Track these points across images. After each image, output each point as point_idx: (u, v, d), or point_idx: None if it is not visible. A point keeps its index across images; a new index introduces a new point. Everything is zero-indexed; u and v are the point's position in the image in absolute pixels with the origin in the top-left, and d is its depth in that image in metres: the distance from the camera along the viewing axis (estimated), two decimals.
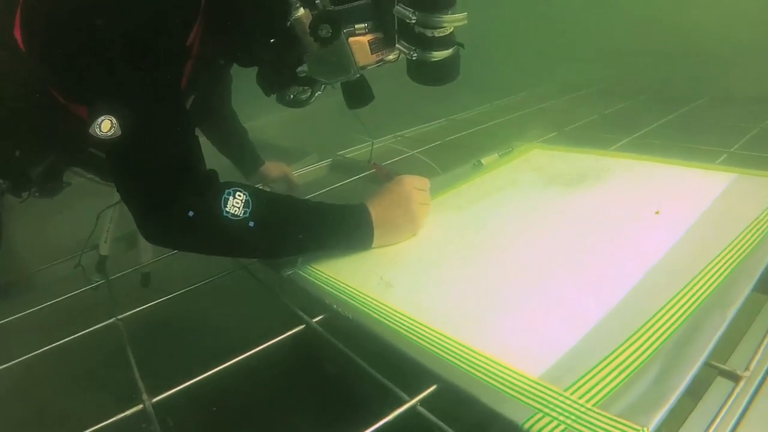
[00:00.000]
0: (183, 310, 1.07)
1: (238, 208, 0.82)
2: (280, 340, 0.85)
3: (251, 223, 0.83)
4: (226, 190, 0.83)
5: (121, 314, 0.97)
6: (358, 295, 0.86)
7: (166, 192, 0.80)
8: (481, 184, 1.28)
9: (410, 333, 0.74)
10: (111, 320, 0.96)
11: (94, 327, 0.96)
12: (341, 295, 0.87)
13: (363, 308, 0.82)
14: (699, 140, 1.56)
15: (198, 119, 1.44)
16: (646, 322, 0.68)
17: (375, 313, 0.80)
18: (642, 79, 2.47)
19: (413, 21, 0.84)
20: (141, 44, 0.76)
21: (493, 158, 1.44)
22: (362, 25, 0.88)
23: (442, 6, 0.83)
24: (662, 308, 0.70)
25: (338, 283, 0.91)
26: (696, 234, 0.89)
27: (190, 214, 0.79)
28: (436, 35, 0.85)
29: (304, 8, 0.85)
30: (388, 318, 0.78)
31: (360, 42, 0.88)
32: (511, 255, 0.92)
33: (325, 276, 0.94)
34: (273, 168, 1.71)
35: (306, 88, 1.01)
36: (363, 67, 0.92)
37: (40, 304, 1.04)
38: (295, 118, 2.04)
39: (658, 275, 0.79)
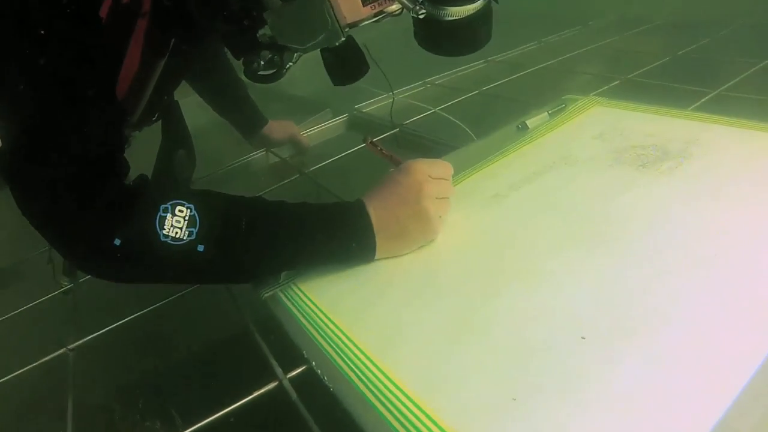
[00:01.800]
0: (141, 338, 0.88)
1: (180, 228, 0.61)
2: (240, 404, 0.63)
3: (200, 247, 0.62)
4: (162, 206, 0.61)
5: (74, 342, 0.80)
6: (347, 349, 0.63)
7: (74, 218, 0.60)
8: (526, 157, 1.01)
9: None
10: (61, 351, 0.79)
11: (39, 361, 0.78)
12: (324, 344, 0.65)
13: (350, 375, 0.59)
14: None
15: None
16: None
17: (367, 387, 0.57)
18: (727, 6, 2.03)
19: None
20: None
21: (541, 118, 1.16)
22: None
23: None
24: None
25: (324, 320, 0.68)
26: None
27: (116, 242, 0.59)
28: None
29: None
30: (382, 400, 0.55)
31: None
32: (567, 288, 0.65)
33: (311, 305, 0.72)
34: (277, 128, 1.48)
35: (275, 56, 0.75)
36: (353, 25, 0.66)
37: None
38: (304, 67, 1.78)
39: None
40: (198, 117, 1.53)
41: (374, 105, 1.65)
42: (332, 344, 0.65)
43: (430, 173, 0.77)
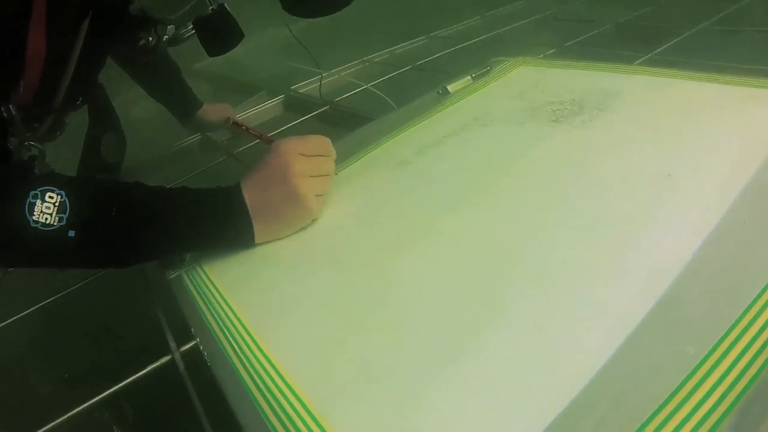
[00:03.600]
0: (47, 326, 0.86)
1: (50, 215, 0.60)
2: (139, 376, 0.64)
3: (71, 233, 0.61)
4: (32, 192, 0.60)
5: None
6: (232, 326, 0.61)
7: None
8: (441, 121, 0.99)
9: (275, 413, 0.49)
10: None
11: None
12: (211, 322, 0.63)
13: (229, 352, 0.57)
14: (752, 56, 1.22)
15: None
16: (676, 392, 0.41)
17: (243, 365, 0.55)
18: None
19: None
20: None
21: (464, 82, 1.14)
22: None
23: None
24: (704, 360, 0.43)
25: (218, 300, 0.66)
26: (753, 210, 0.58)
27: None
28: None
29: None
30: (256, 379, 0.53)
31: None
32: (458, 249, 0.63)
33: (210, 287, 0.70)
34: (212, 111, 1.45)
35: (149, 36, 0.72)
36: None
37: None
38: (239, 51, 1.76)
39: (687, 291, 0.49)
40: (134, 103, 1.50)
41: (311, 86, 1.63)
42: (218, 321, 0.63)
43: (303, 151, 0.74)
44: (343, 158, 0.91)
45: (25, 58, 0.70)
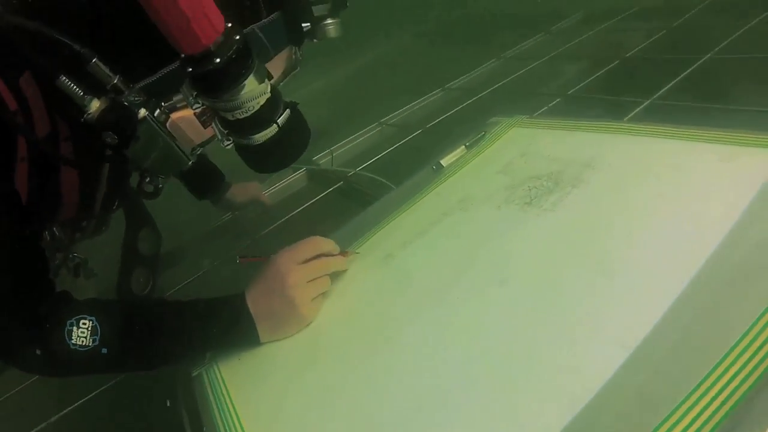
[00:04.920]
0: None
1: (85, 338, 0.76)
2: None
3: (104, 350, 0.77)
4: (69, 321, 0.76)
5: None
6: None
7: (6, 337, 0.76)
8: (428, 204, 1.08)
9: None
10: None
11: None
12: (220, 425, 0.75)
13: None
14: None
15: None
16: None
17: None
18: None
19: (197, 106, 0.67)
20: None
21: (458, 152, 1.22)
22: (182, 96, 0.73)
23: (224, 85, 0.64)
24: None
25: (226, 399, 0.79)
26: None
27: (38, 352, 0.76)
28: (240, 117, 0.68)
29: (97, 98, 0.70)
30: None
31: (184, 119, 0.74)
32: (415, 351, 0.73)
33: (222, 387, 0.83)
34: (240, 192, 1.59)
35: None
36: (204, 144, 0.77)
37: None
38: None
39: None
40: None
41: (327, 157, 1.75)
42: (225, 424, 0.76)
43: (297, 260, 0.86)
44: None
45: (60, 187, 0.87)
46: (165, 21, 0.55)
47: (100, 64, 0.67)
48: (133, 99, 0.70)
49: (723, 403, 0.49)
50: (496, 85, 1.79)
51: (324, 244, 0.91)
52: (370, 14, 2.75)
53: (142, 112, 0.71)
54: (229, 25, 0.61)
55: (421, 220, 1.02)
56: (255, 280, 0.86)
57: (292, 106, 0.77)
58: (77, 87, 0.69)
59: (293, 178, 1.74)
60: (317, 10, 0.88)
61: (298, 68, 0.92)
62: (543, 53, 1.94)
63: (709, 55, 1.48)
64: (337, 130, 1.93)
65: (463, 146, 1.23)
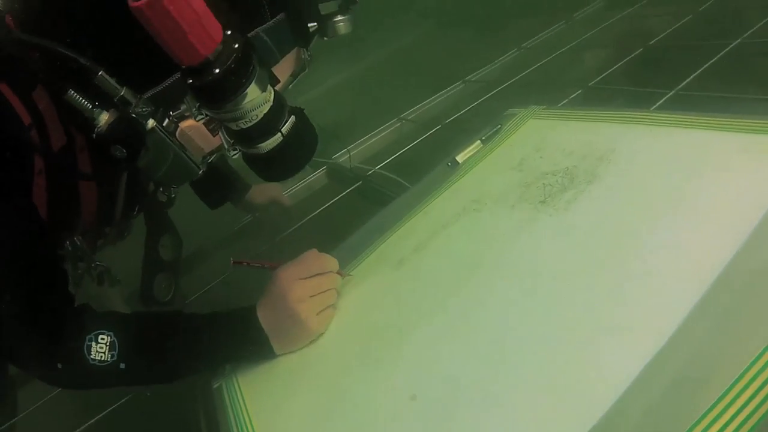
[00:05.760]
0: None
1: (104, 353, 0.79)
2: None
3: (122, 365, 0.80)
4: (88, 336, 0.79)
5: None
6: None
7: (27, 351, 0.80)
8: (443, 204, 1.09)
9: None
10: None
11: None
12: None
13: None
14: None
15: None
16: None
17: None
18: None
19: (202, 117, 0.68)
20: None
21: (473, 147, 1.22)
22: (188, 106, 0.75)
23: (224, 95, 0.64)
24: None
25: (244, 416, 0.82)
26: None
27: (59, 366, 0.79)
28: (244, 126, 0.69)
29: (105, 110, 0.72)
30: None
31: (193, 128, 0.75)
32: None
33: (240, 400, 0.86)
34: (260, 193, 1.61)
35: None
36: (214, 152, 0.79)
37: None
38: None
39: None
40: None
41: (354, 151, 1.76)
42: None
43: (300, 275, 0.88)
44: (353, 257, 1.04)
45: (79, 198, 0.89)
46: (161, 34, 0.56)
47: (107, 77, 0.69)
48: (140, 110, 0.71)
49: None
50: (517, 77, 1.77)
51: (325, 261, 0.92)
52: (388, 2, 2.75)
53: (151, 122, 0.72)
54: (228, 32, 0.62)
55: (434, 222, 1.03)
56: (263, 295, 0.89)
57: (298, 112, 0.78)
58: (85, 100, 0.71)
59: (313, 177, 1.75)
60: (327, 6, 0.89)
61: (307, 69, 0.92)
62: (564, 42, 1.91)
63: (739, 40, 1.43)
64: (356, 126, 1.94)
65: (479, 141, 1.23)
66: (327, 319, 0.90)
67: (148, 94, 0.72)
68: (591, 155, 0.99)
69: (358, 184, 1.50)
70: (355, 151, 1.75)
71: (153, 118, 0.72)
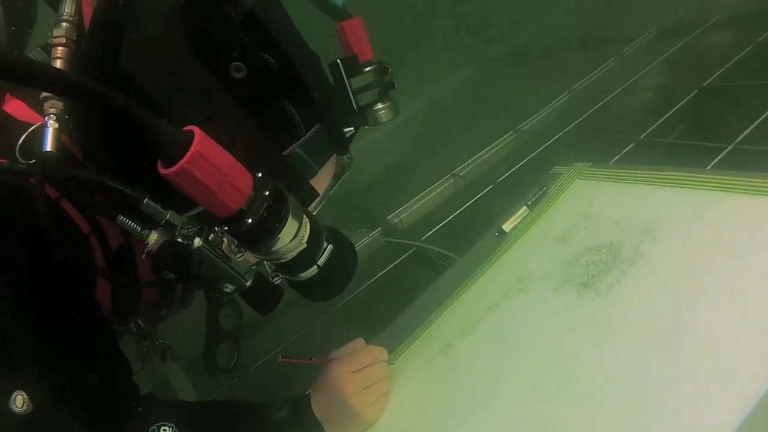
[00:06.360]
0: None
1: None
2: None
3: None
4: (151, 428, 0.83)
5: None
6: None
7: None
8: (489, 281, 1.11)
9: None
10: None
11: None
12: None
13: None
14: None
15: None
16: None
17: None
18: None
19: (241, 254, 0.73)
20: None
21: (520, 214, 1.23)
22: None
23: (258, 241, 0.69)
24: None
25: None
26: None
27: None
28: (282, 262, 0.74)
29: (154, 229, 0.75)
30: None
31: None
32: None
33: None
34: None
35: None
36: (255, 265, 0.84)
37: None
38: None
39: None
40: None
41: (407, 211, 1.81)
42: None
43: (353, 368, 0.93)
44: (401, 341, 1.08)
45: (141, 293, 0.95)
46: (193, 194, 0.61)
47: (152, 203, 0.72)
48: (186, 231, 0.74)
49: None
50: (568, 128, 1.76)
51: (374, 352, 0.97)
52: (441, 41, 2.78)
53: (197, 241, 0.73)
54: (259, 175, 0.65)
55: (480, 303, 1.06)
56: (316, 388, 0.94)
57: (335, 239, 0.81)
58: (134, 223, 0.75)
59: (370, 239, 1.81)
60: (365, 97, 0.93)
61: (348, 171, 0.96)
62: (615, 84, 1.88)
63: None
64: (407, 182, 1.99)
65: (525, 206, 1.24)
66: (381, 408, 0.94)
67: (192, 212, 0.77)
68: (635, 227, 0.99)
69: (411, 251, 1.54)
70: (409, 211, 1.80)
71: (198, 236, 0.74)
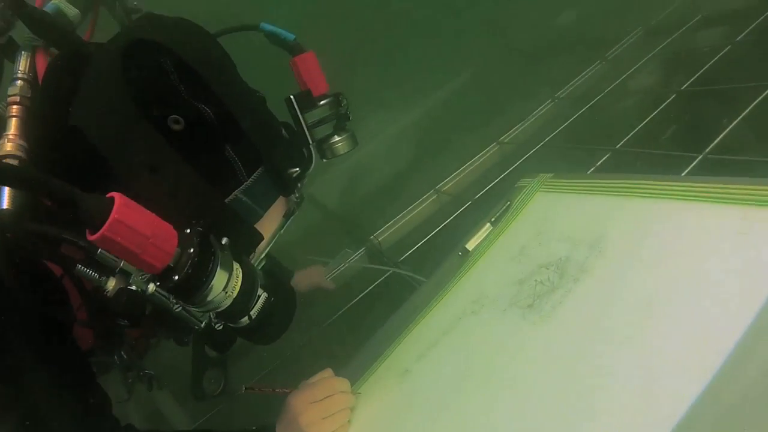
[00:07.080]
0: None
1: None
2: None
3: None
4: None
5: None
6: None
7: None
8: (447, 305, 1.13)
9: None
10: None
11: None
12: None
13: None
14: None
15: None
16: None
17: None
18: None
19: (178, 306, 0.74)
20: None
21: (484, 231, 1.24)
22: None
23: (187, 295, 0.71)
24: None
25: None
26: None
27: None
28: (219, 310, 0.76)
29: (112, 276, 0.75)
30: None
31: None
32: None
33: None
34: (303, 279, 1.69)
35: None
36: None
37: None
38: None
39: None
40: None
41: (390, 230, 1.82)
42: None
43: (311, 399, 0.96)
44: (365, 369, 1.10)
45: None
46: (120, 255, 0.64)
47: (106, 252, 0.71)
48: (140, 278, 0.73)
49: None
50: (547, 138, 1.76)
51: (335, 383, 1.00)
52: (424, 57, 2.75)
53: (151, 287, 0.73)
54: (187, 231, 0.69)
55: (437, 328, 1.07)
56: (280, 418, 0.97)
57: (272, 285, 0.83)
58: (93, 272, 0.77)
59: (354, 259, 1.82)
60: (321, 130, 0.94)
61: (297, 211, 0.95)
62: (597, 90, 1.88)
63: None
64: (390, 201, 2.01)
65: (488, 223, 1.24)
66: None
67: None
68: (584, 241, 0.98)
69: (387, 274, 1.56)
70: (391, 231, 1.82)
71: (153, 281, 0.74)
